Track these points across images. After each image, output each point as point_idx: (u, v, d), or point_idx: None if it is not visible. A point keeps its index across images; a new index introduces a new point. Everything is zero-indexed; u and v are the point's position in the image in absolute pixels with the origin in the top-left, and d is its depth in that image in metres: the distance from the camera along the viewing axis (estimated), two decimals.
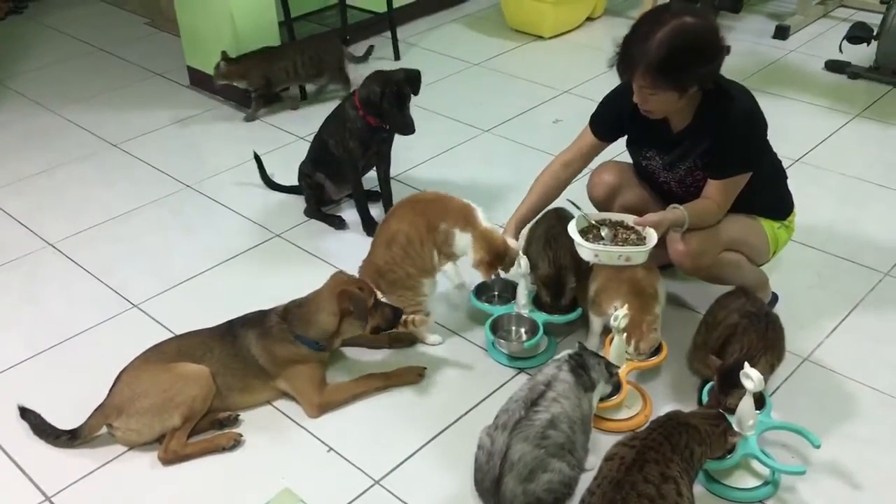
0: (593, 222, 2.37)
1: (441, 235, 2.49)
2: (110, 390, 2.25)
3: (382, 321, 2.34)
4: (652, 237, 2.27)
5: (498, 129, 3.91)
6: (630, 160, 2.64)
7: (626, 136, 2.55)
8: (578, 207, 2.40)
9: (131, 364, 2.29)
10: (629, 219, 2.35)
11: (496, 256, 2.46)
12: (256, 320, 2.37)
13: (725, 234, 2.37)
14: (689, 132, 2.34)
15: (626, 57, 2.19)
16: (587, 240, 2.30)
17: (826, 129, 3.79)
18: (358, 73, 3.87)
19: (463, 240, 2.48)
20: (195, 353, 2.29)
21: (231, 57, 3.92)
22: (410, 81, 2.97)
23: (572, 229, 2.32)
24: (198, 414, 2.24)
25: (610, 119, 2.52)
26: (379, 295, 2.36)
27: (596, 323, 2.49)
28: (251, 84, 3.97)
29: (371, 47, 4.40)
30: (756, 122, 2.30)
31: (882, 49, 4.11)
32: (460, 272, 2.69)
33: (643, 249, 2.25)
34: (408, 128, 2.96)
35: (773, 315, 2.26)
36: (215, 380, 2.27)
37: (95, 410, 2.23)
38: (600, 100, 2.56)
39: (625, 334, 2.25)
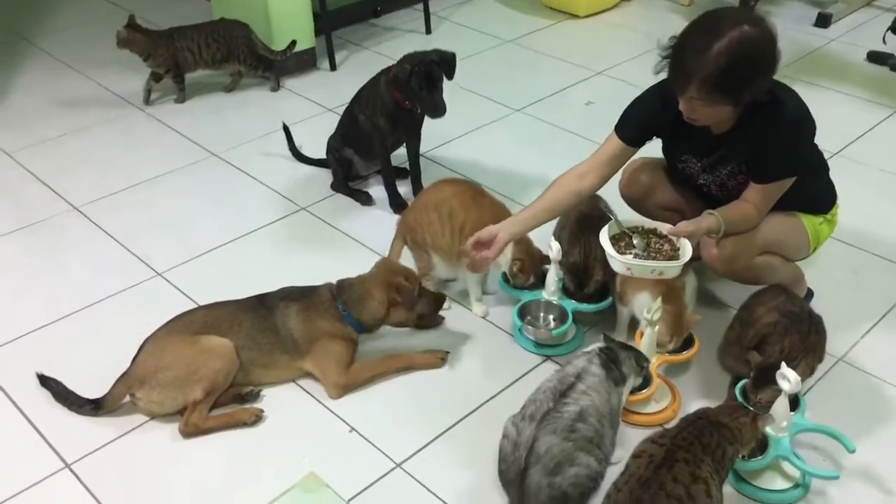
0: (625, 230, 2.29)
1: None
2: (134, 359, 2.23)
3: (426, 308, 2.37)
4: (686, 249, 2.18)
5: (529, 109, 3.85)
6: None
7: (658, 140, 2.43)
8: (611, 213, 2.32)
9: (156, 333, 2.27)
10: (663, 227, 2.26)
11: (534, 259, 2.49)
12: (303, 294, 2.34)
13: (761, 237, 2.29)
14: (733, 136, 2.24)
15: (681, 69, 2.06)
16: (619, 248, 2.21)
17: (866, 123, 3.69)
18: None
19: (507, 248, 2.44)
20: (222, 325, 2.26)
21: (137, 24, 3.78)
22: (444, 63, 2.89)
23: (604, 238, 2.22)
24: (220, 388, 2.22)
25: (639, 122, 2.37)
26: (423, 283, 2.40)
27: (623, 314, 2.45)
28: (159, 65, 3.81)
29: (293, 42, 3.95)
30: (805, 128, 2.20)
31: None
32: (483, 297, 2.65)
33: (677, 265, 2.16)
34: (436, 110, 2.87)
35: (816, 316, 2.20)
36: (240, 354, 2.25)
37: (118, 380, 2.21)
38: (628, 104, 2.42)
39: (656, 328, 2.20)
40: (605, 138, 2.43)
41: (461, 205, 2.54)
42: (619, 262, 2.18)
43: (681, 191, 2.52)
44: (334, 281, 2.40)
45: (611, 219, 2.27)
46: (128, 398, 2.23)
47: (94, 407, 2.21)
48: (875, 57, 4.21)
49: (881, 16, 4.65)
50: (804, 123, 2.20)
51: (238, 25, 3.91)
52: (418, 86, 2.84)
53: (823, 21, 4.60)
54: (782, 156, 2.19)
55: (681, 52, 2.07)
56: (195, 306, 2.41)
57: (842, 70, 4.18)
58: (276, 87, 3.97)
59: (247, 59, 3.89)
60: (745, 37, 1.99)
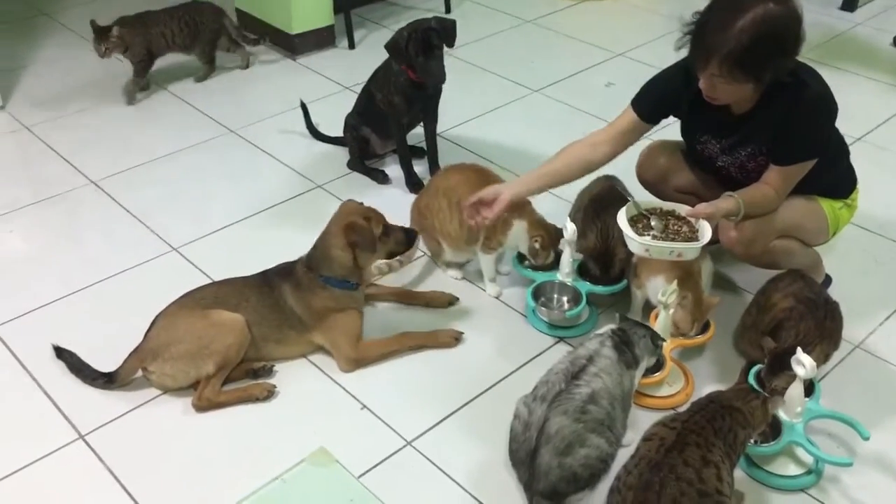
0: (643, 211, 2.27)
1: (499, 221, 2.44)
2: (146, 334, 2.24)
3: (395, 245, 2.34)
4: (705, 231, 2.15)
5: (548, 90, 3.81)
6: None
7: (674, 120, 2.40)
8: (629, 195, 2.30)
9: (168, 308, 2.28)
10: (681, 209, 2.23)
11: (552, 235, 2.46)
12: (288, 271, 2.34)
13: (780, 220, 2.26)
14: (753, 116, 2.21)
15: (702, 45, 2.03)
16: (637, 229, 2.19)
17: (890, 108, 3.63)
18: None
19: (519, 226, 2.46)
20: (231, 301, 2.27)
21: (103, 26, 3.59)
22: (442, 30, 2.84)
23: (622, 219, 2.21)
24: (232, 362, 2.23)
25: (657, 98, 2.35)
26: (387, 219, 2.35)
27: (638, 296, 2.43)
28: (134, 57, 3.67)
29: (265, 35, 3.95)
30: (828, 109, 2.17)
31: None
32: (496, 277, 2.64)
33: (695, 246, 2.14)
34: (432, 76, 2.82)
35: (833, 303, 2.18)
36: (251, 329, 2.25)
37: (131, 354, 2.23)
38: (649, 79, 2.40)
39: (671, 311, 2.18)
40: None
41: (469, 191, 2.49)
42: (637, 243, 2.15)
43: (699, 174, 2.49)
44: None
45: (628, 200, 2.25)
46: (140, 372, 2.24)
47: (107, 380, 2.22)
48: None
49: None
50: (826, 105, 2.17)
51: (210, 8, 3.84)
52: (415, 52, 2.80)
53: (849, 4, 4.53)
54: (803, 137, 2.16)
55: (703, 29, 2.04)
56: (204, 284, 2.41)
57: (867, 54, 4.11)
58: (245, 66, 3.91)
59: (216, 43, 3.83)
60: (769, 14, 1.96)
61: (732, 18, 1.96)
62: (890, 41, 4.18)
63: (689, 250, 2.15)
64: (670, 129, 2.50)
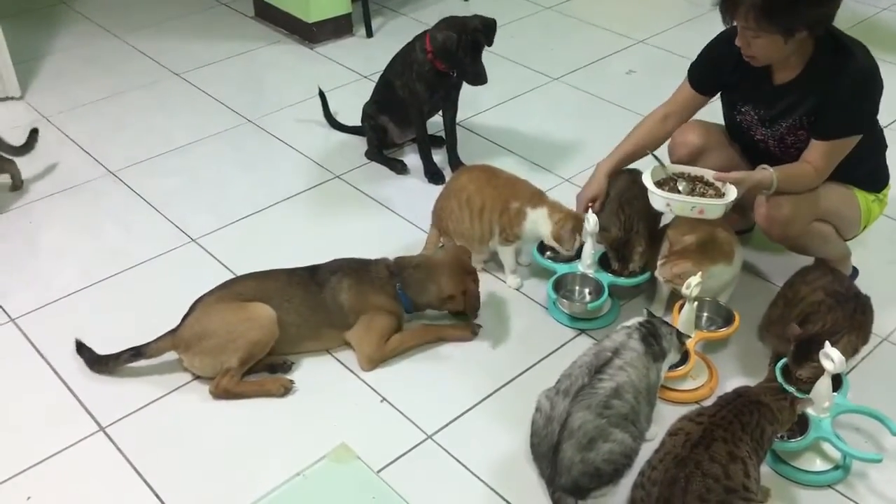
0: (671, 174, 2.25)
1: (511, 213, 2.47)
2: (183, 319, 2.24)
3: (469, 308, 2.36)
4: (731, 193, 2.15)
5: (568, 78, 3.77)
6: (721, 119, 2.48)
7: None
8: (657, 158, 2.28)
9: (207, 298, 2.27)
10: (709, 174, 2.23)
11: (576, 219, 2.44)
12: (356, 269, 2.33)
13: (819, 203, 2.22)
14: (795, 85, 2.18)
15: None
16: (663, 191, 2.19)
17: None
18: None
19: (535, 215, 2.46)
20: (273, 299, 2.25)
21: None
22: (486, 31, 2.85)
23: (647, 178, 2.22)
24: (256, 357, 2.23)
25: (708, 67, 2.37)
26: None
27: (664, 287, 2.40)
28: None
29: (34, 131, 3.10)
30: (874, 83, 2.13)
31: None
32: (517, 269, 2.62)
33: (719, 203, 2.13)
34: (479, 78, 2.85)
35: (863, 296, 2.14)
36: (289, 329, 2.25)
37: (167, 334, 2.23)
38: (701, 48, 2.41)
39: (695, 304, 2.15)
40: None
41: (477, 189, 2.53)
42: (659, 197, 2.18)
43: (733, 153, 2.44)
44: (391, 257, 2.38)
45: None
46: (170, 354, 2.25)
47: (134, 353, 2.22)
48: None
49: None
50: (872, 79, 2.13)
51: None
52: (464, 54, 2.80)
53: None
54: (846, 110, 2.12)
55: None
56: (246, 273, 2.39)
57: (894, 39, 4.03)
58: (17, 186, 3.04)
59: None
60: None
61: None
62: None
63: (713, 207, 2.14)
64: (711, 112, 2.47)
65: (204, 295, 2.27)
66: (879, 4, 4.37)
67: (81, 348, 2.27)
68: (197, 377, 2.26)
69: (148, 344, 2.22)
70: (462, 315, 2.40)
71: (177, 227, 2.85)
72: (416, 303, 2.34)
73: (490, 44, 2.87)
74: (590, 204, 2.46)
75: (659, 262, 2.32)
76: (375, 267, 2.33)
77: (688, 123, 2.46)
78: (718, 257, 2.24)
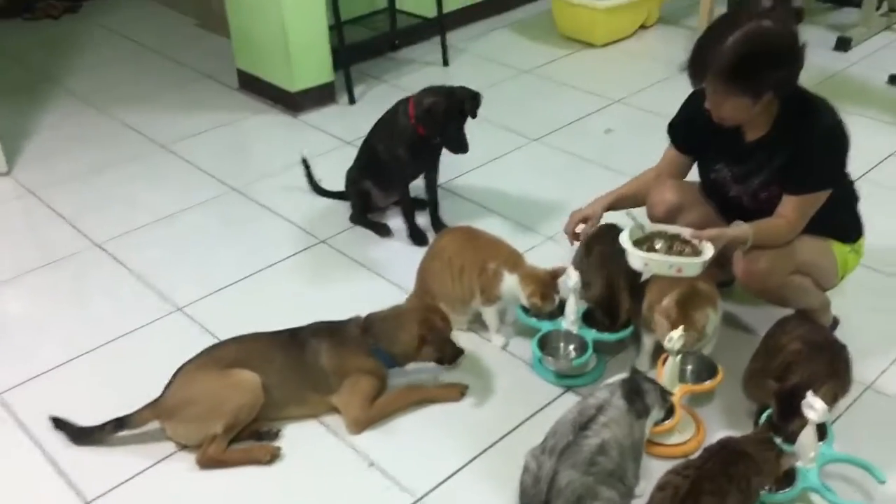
0: (648, 233, 2.29)
1: (489, 274, 2.50)
2: (165, 389, 2.24)
3: (448, 355, 2.37)
4: (708, 250, 2.18)
5: (547, 139, 3.84)
6: (697, 176, 2.53)
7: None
8: (634, 218, 2.32)
9: (188, 365, 2.27)
10: (686, 232, 2.26)
11: (546, 285, 2.46)
12: (332, 330, 2.34)
13: (796, 255, 2.26)
14: (765, 143, 2.24)
15: (698, 60, 2.12)
16: (641, 251, 2.22)
17: (890, 146, 3.64)
18: None
19: (510, 280, 2.49)
20: (253, 361, 2.25)
21: None
22: (472, 102, 2.94)
23: (624, 238, 2.26)
24: (241, 423, 2.22)
25: (683, 126, 2.44)
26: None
27: (648, 341, 2.42)
28: None
29: None
30: (841, 139, 2.19)
31: None
32: (501, 327, 2.64)
33: (696, 261, 2.16)
34: (462, 146, 2.92)
35: (839, 344, 2.16)
36: (271, 392, 2.24)
37: (149, 404, 2.22)
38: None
39: (678, 357, 2.17)
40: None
41: (457, 250, 2.58)
42: (637, 257, 2.20)
43: (710, 211, 2.48)
44: (362, 315, 2.39)
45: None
46: (153, 423, 2.24)
47: (117, 424, 2.21)
48: None
49: None
50: (839, 135, 2.19)
51: None
52: (448, 121, 2.87)
53: (843, 45, 4.57)
54: (815, 166, 2.18)
55: (699, 46, 2.13)
56: (226, 338, 2.40)
57: (863, 94, 4.13)
58: None
59: None
60: (761, 28, 2.04)
61: (725, 33, 2.05)
62: (884, 80, 4.21)
63: (690, 266, 2.17)
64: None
65: (185, 363, 2.27)
66: (848, 60, 4.49)
67: (60, 424, 2.26)
68: (183, 447, 2.24)
69: (131, 414, 2.21)
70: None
71: (163, 296, 2.87)
72: (394, 355, 2.33)
73: (474, 116, 2.95)
74: (580, 223, 2.49)
75: (643, 317, 2.35)
76: (348, 327, 2.34)
77: (665, 183, 2.51)
78: (707, 304, 2.27)
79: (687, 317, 2.19)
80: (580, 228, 2.49)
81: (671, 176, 2.49)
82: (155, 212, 3.36)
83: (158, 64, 4.80)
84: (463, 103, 2.89)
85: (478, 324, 2.66)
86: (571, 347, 2.48)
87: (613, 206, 2.52)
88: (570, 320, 2.46)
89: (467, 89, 2.96)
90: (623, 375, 2.01)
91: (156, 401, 2.23)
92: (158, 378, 2.27)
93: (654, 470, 1.98)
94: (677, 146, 2.47)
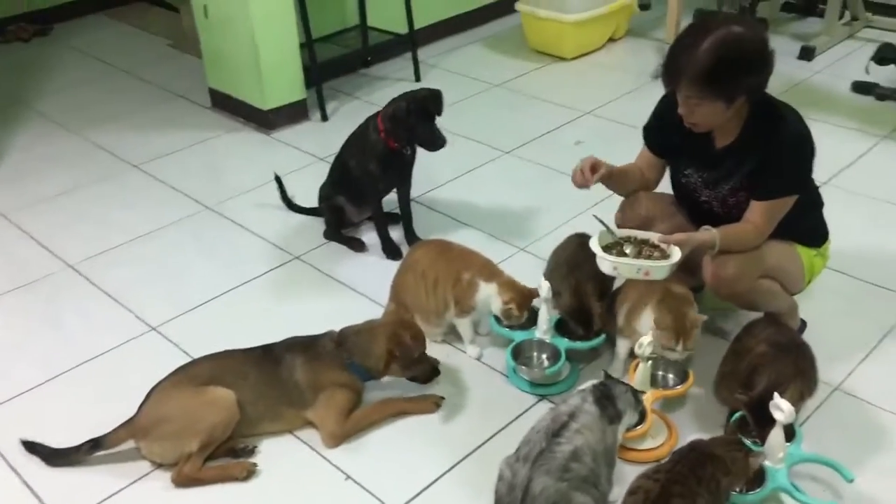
0: (618, 239, 2.33)
1: (464, 285, 2.52)
2: (140, 408, 2.24)
3: (420, 374, 2.39)
4: (676, 254, 2.22)
5: (519, 151, 3.88)
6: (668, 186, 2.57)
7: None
8: (603, 223, 2.36)
9: (162, 383, 2.27)
10: (654, 237, 2.30)
11: (524, 296, 2.49)
12: (306, 344, 2.35)
13: (764, 259, 2.31)
14: (734, 149, 2.29)
15: (672, 66, 2.16)
16: (611, 255, 2.26)
17: (854, 152, 3.72)
18: None
19: (486, 289, 2.51)
20: (227, 378, 2.26)
21: None
22: (434, 99, 2.95)
23: (594, 243, 2.29)
24: (217, 441, 2.22)
25: (656, 130, 2.48)
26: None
27: (623, 347, 2.45)
28: None
29: None
30: (807, 146, 2.25)
31: None
32: (475, 338, 2.66)
33: (664, 264, 2.21)
34: (437, 140, 2.93)
35: (803, 344, 2.20)
36: (246, 408, 2.24)
37: (123, 424, 2.22)
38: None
39: (649, 363, 2.20)
40: None
41: (430, 263, 2.60)
42: (606, 262, 2.24)
43: (681, 221, 2.51)
44: (336, 329, 2.40)
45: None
46: (129, 443, 2.23)
47: (93, 445, 2.20)
48: (860, 87, 4.25)
49: (863, 47, 4.71)
50: (805, 141, 2.24)
51: None
52: (416, 121, 2.89)
53: (807, 54, 4.66)
54: (782, 172, 2.22)
55: (672, 52, 2.17)
56: (201, 356, 2.40)
57: (828, 101, 4.22)
58: None
59: None
60: (732, 33, 2.09)
61: (698, 39, 2.10)
62: (848, 87, 4.30)
63: (658, 269, 2.20)
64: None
65: (160, 381, 2.27)
66: (813, 69, 4.58)
67: (32, 447, 2.25)
68: (159, 465, 2.24)
69: (106, 434, 2.21)
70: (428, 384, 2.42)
71: (137, 316, 2.86)
72: (368, 368, 2.34)
73: (439, 112, 2.97)
74: (591, 164, 2.37)
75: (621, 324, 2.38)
76: (322, 341, 2.35)
77: (636, 196, 2.54)
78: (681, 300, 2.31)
79: (684, 321, 2.24)
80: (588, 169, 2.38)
81: (654, 174, 2.53)
82: (128, 232, 3.36)
83: (130, 84, 4.81)
84: (425, 102, 2.91)
85: (452, 335, 2.68)
86: (545, 356, 2.51)
87: (610, 175, 2.43)
88: (542, 329, 2.49)
89: (427, 89, 2.99)
90: (594, 381, 2.04)
91: (130, 420, 2.22)
92: (133, 398, 2.27)
93: (628, 475, 2.00)
94: (650, 148, 2.51)
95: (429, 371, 2.40)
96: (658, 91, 2.43)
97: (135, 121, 4.33)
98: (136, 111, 4.44)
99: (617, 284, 2.58)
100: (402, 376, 2.40)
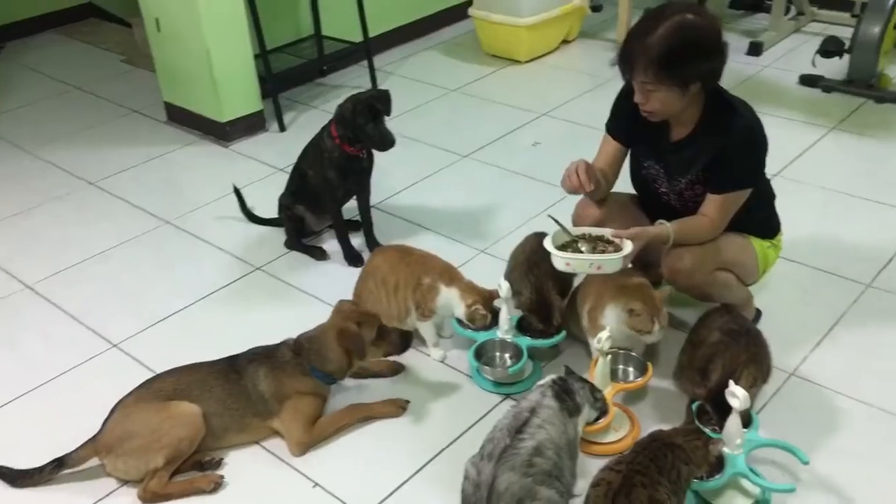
0: (574, 236, 2.36)
1: (424, 289, 2.54)
2: (103, 424, 2.22)
3: (391, 347, 2.38)
4: (627, 247, 2.26)
5: (477, 154, 3.91)
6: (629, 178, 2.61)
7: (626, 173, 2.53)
8: (558, 222, 2.39)
9: (126, 399, 2.26)
10: (608, 232, 2.34)
11: (485, 298, 2.51)
12: (267, 354, 2.34)
13: (720, 251, 2.36)
14: (690, 142, 2.34)
15: (628, 52, 2.20)
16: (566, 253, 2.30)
17: (803, 143, 3.81)
18: None
19: (448, 294, 2.53)
20: (193, 391, 2.25)
21: None
22: (380, 99, 2.96)
23: (547, 242, 2.33)
24: (183, 455, 2.21)
25: (618, 119, 2.50)
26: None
27: (593, 343, 2.47)
28: None
29: None
30: (759, 139, 2.30)
31: (854, 62, 4.14)
32: (439, 341, 2.68)
33: (615, 257, 2.24)
34: (386, 139, 2.93)
35: (754, 330, 2.26)
36: (212, 420, 2.24)
37: (87, 442, 2.21)
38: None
39: (608, 357, 2.24)
40: (555, 176, 2.48)
41: (390, 268, 2.62)
42: (559, 258, 2.27)
43: (634, 219, 2.54)
44: (294, 337, 2.40)
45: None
46: (94, 460, 2.21)
47: (57, 464, 2.18)
48: (807, 80, 4.35)
49: (809, 41, 4.82)
50: (757, 135, 2.30)
51: None
52: (364, 121, 2.89)
53: (755, 49, 4.76)
54: (735, 165, 2.27)
55: (628, 38, 2.22)
56: (165, 370, 2.38)
57: (776, 94, 4.31)
58: None
59: None
60: (686, 21, 2.14)
61: (654, 26, 2.15)
62: (796, 80, 4.40)
63: (609, 262, 2.24)
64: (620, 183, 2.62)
65: (123, 397, 2.26)
66: (761, 63, 4.67)
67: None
68: (125, 482, 2.23)
69: (70, 453, 2.19)
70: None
71: (97, 334, 2.84)
72: (329, 372, 2.34)
73: (388, 112, 2.97)
74: (586, 167, 2.37)
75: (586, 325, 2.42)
76: (280, 350, 2.35)
77: (588, 200, 2.57)
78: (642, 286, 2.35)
79: (653, 301, 2.29)
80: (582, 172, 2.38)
81: (616, 168, 2.55)
82: (86, 250, 3.33)
83: (84, 101, 4.76)
84: (371, 101, 2.91)
85: (416, 339, 2.69)
86: (507, 356, 2.53)
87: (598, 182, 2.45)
88: (503, 329, 2.51)
89: (374, 89, 3.00)
90: (553, 376, 2.07)
91: (94, 437, 2.21)
92: (96, 415, 2.25)
93: (593, 468, 2.02)
94: (612, 135, 2.52)
95: (399, 341, 2.39)
96: (613, 90, 2.47)
97: (90, 138, 4.30)
98: (92, 128, 4.40)
99: (578, 281, 2.62)
100: (379, 357, 2.40)
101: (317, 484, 2.22)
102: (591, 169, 2.39)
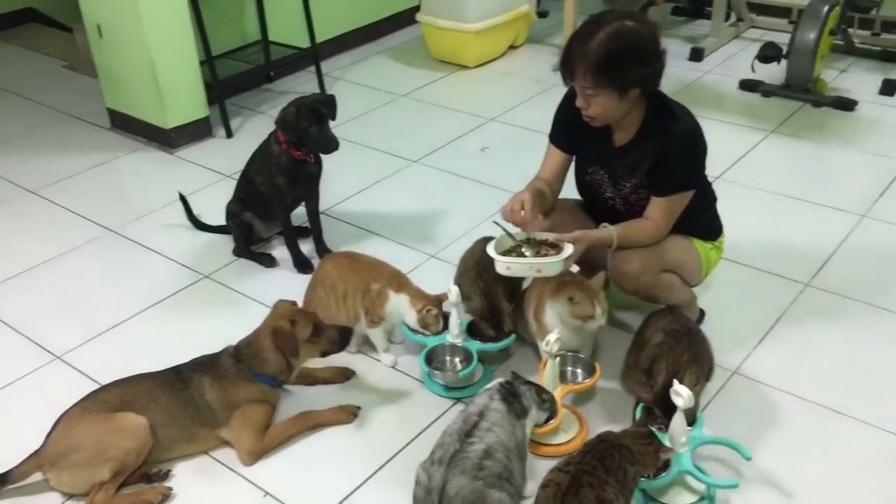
0: (518, 241, 2.39)
1: (373, 295, 2.55)
2: (47, 437, 2.18)
3: (329, 344, 2.35)
4: (567, 249, 2.29)
5: (426, 159, 3.93)
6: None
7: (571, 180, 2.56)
8: (503, 228, 2.41)
9: (70, 411, 2.21)
10: (552, 236, 2.37)
11: (434, 303, 2.53)
12: (210, 363, 2.32)
13: (664, 255, 2.41)
14: (632, 147, 2.38)
15: (568, 57, 2.24)
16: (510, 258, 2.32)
17: (743, 147, 3.90)
18: None
19: (397, 300, 2.54)
20: (138, 402, 2.22)
21: None
22: (325, 102, 2.96)
23: (490, 248, 2.34)
24: (130, 468, 2.17)
25: (561, 126, 2.53)
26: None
27: (542, 345, 2.50)
28: None
29: None
30: (699, 142, 2.36)
31: (791, 67, 4.26)
32: (390, 347, 2.68)
33: (554, 260, 2.27)
34: (330, 142, 2.91)
35: (696, 330, 2.31)
36: (159, 432, 2.21)
37: (30, 456, 2.16)
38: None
39: (557, 359, 2.27)
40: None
41: (339, 275, 2.62)
42: (500, 262, 2.30)
43: (582, 223, 2.57)
44: (233, 343, 2.37)
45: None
46: (37, 475, 2.16)
47: None
48: (746, 85, 4.46)
49: (748, 47, 4.94)
50: (696, 138, 2.35)
51: None
52: (308, 124, 2.89)
53: (697, 55, 4.86)
54: (676, 168, 2.33)
55: (569, 44, 2.25)
56: (110, 381, 2.34)
57: (717, 99, 4.41)
58: None
59: None
60: (625, 27, 2.19)
61: (593, 32, 2.19)
62: (736, 85, 4.50)
63: (549, 265, 2.27)
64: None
65: (67, 409, 2.22)
66: (703, 69, 4.78)
67: None
68: (70, 497, 2.18)
69: (12, 469, 2.14)
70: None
71: (39, 345, 2.78)
72: (271, 375, 2.31)
73: (333, 117, 2.96)
74: (521, 202, 2.35)
75: (534, 328, 2.44)
76: (221, 359, 2.33)
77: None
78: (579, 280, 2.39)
79: (589, 287, 2.34)
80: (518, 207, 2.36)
81: (561, 178, 2.57)
82: (28, 260, 3.25)
83: (24, 108, 4.66)
84: (315, 105, 2.91)
85: (367, 345, 2.70)
86: (458, 360, 2.55)
87: (535, 203, 2.43)
88: (454, 333, 2.53)
89: (319, 93, 2.99)
90: (499, 380, 2.09)
91: (37, 451, 2.16)
92: (39, 430, 2.21)
93: (543, 470, 2.04)
94: (556, 144, 2.55)
95: (337, 337, 2.35)
96: (559, 95, 2.50)
97: (31, 145, 4.20)
98: (32, 135, 4.31)
99: (526, 285, 2.64)
100: (317, 356, 2.37)
101: (267, 493, 2.20)
102: (536, 198, 2.38)
